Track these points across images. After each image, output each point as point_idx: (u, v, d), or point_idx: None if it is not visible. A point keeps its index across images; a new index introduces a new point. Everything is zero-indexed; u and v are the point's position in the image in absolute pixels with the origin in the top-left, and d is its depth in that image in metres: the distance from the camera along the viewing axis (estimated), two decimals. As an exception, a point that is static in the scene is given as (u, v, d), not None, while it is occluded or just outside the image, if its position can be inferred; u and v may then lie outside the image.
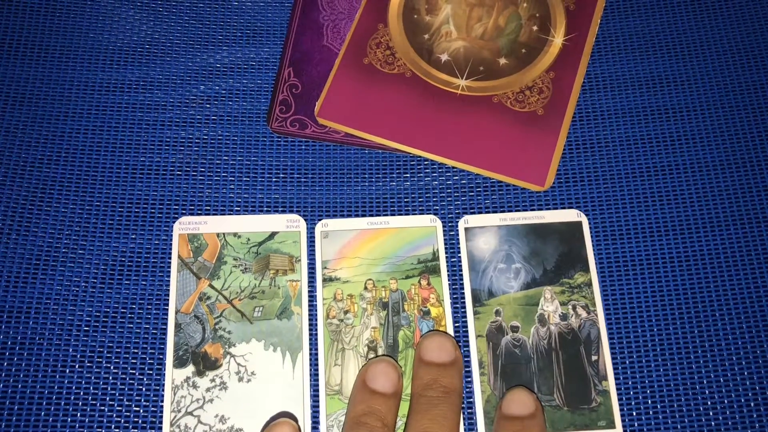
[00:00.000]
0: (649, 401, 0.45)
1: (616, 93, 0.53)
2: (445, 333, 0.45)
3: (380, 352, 0.46)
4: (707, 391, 0.45)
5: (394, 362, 0.43)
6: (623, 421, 0.44)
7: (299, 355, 0.46)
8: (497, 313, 0.47)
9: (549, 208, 0.50)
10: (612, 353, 0.46)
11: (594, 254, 0.48)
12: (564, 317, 0.46)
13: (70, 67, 0.53)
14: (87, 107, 0.52)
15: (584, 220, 0.49)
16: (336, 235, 0.49)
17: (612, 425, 0.44)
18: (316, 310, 0.47)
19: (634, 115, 0.52)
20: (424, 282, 0.48)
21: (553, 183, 0.50)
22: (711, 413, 0.45)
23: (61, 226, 0.48)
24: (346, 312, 0.47)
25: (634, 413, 0.45)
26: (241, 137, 0.52)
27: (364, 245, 0.49)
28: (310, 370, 0.46)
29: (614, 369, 0.45)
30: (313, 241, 0.49)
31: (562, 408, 0.44)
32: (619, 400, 0.45)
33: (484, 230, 0.49)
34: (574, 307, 0.47)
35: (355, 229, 0.49)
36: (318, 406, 0.45)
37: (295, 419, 0.44)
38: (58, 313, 0.46)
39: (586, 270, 0.48)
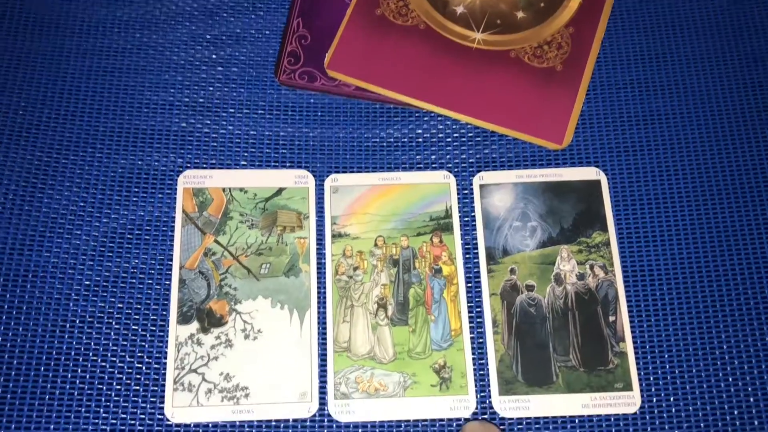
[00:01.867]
0: (667, 364, 0.45)
1: (638, 50, 0.52)
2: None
3: (390, 309, 0.46)
4: (727, 356, 0.45)
5: None
6: (640, 383, 0.44)
7: (307, 313, 0.46)
8: (512, 271, 0.46)
9: (567, 166, 0.49)
10: (630, 314, 0.46)
11: (613, 213, 0.48)
12: (581, 277, 0.46)
13: (70, 14, 0.52)
14: (90, 51, 0.51)
15: (603, 178, 0.49)
16: (346, 191, 0.48)
17: (629, 387, 0.44)
18: (324, 267, 0.47)
19: (655, 73, 0.51)
20: (436, 239, 0.47)
21: (572, 140, 0.50)
22: (731, 378, 0.44)
23: (62, 183, 0.48)
24: (355, 268, 0.47)
25: (652, 376, 0.44)
26: (248, 89, 0.51)
27: (374, 201, 0.48)
28: (318, 328, 0.45)
29: (632, 330, 0.45)
30: (322, 198, 0.48)
31: (578, 369, 0.44)
32: (637, 362, 0.45)
33: (500, 187, 0.49)
34: (591, 267, 0.46)
35: (365, 185, 0.49)
36: (325, 364, 0.45)
37: None
38: (59, 266, 0.46)
39: (605, 229, 0.47)
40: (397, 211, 0.48)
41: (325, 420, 0.44)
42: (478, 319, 0.46)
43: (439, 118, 0.51)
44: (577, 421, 0.44)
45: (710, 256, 0.47)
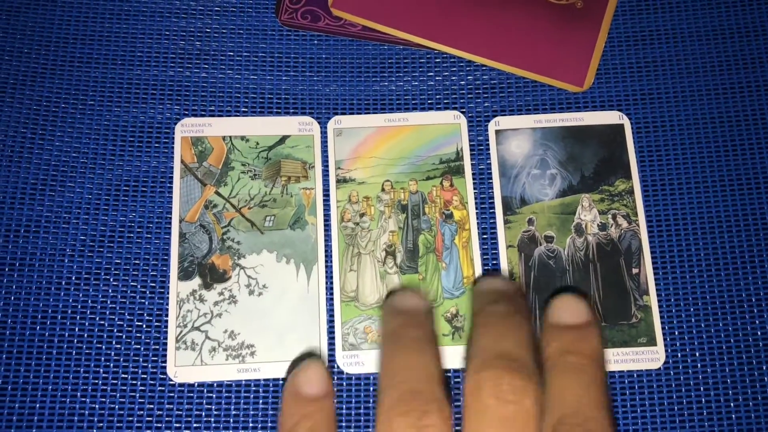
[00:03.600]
0: (693, 318, 0.44)
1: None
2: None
3: (399, 257, 0.45)
4: (756, 309, 0.44)
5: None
6: (665, 338, 0.44)
7: (314, 267, 0.45)
8: (530, 222, 0.46)
9: (588, 110, 0.48)
10: (654, 266, 0.45)
11: (637, 160, 0.47)
12: (603, 227, 0.45)
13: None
14: (77, -5, 0.50)
15: (627, 122, 0.47)
16: (350, 133, 0.48)
17: (653, 342, 0.43)
18: (330, 214, 0.46)
19: (682, 9, 0.50)
20: (446, 183, 0.47)
21: (594, 82, 0.48)
22: (759, 332, 0.44)
23: (53, 134, 0.47)
24: (362, 215, 0.46)
25: (677, 331, 0.44)
26: (247, 30, 0.50)
27: (381, 144, 0.47)
28: (326, 283, 0.45)
29: (656, 283, 0.45)
30: (327, 146, 0.48)
31: (600, 323, 0.44)
32: (661, 316, 0.44)
33: (517, 133, 0.48)
34: (614, 217, 0.46)
35: (371, 127, 0.48)
36: (333, 315, 0.44)
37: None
38: (52, 221, 0.45)
39: (628, 176, 0.46)
40: (404, 154, 0.47)
41: (335, 377, 0.43)
42: (494, 271, 0.45)
43: (452, 60, 0.49)
44: (598, 377, 0.43)
45: (739, 205, 0.46)
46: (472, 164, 0.47)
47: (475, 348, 0.37)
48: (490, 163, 0.47)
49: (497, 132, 0.48)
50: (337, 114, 0.48)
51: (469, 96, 0.48)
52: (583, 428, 0.34)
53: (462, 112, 0.48)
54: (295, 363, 0.43)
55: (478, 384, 0.34)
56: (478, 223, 0.46)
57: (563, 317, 0.38)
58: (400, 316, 0.38)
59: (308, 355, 0.44)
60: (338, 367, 0.44)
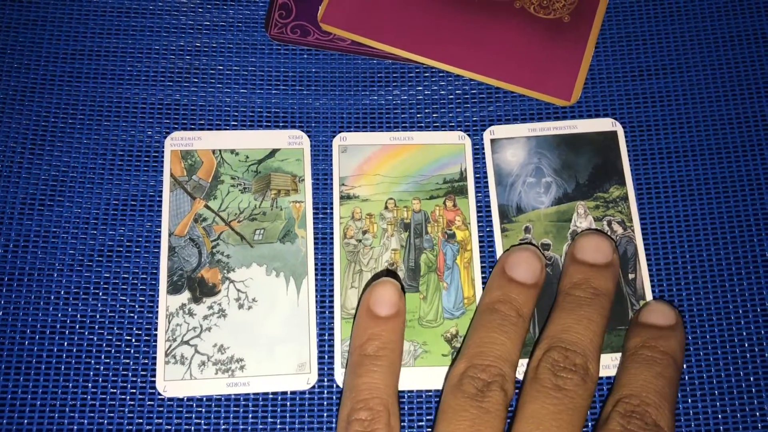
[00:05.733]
0: (689, 323, 0.46)
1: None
2: (603, 233, 0.45)
3: (401, 275, 0.47)
4: (751, 314, 0.46)
5: (537, 252, 0.44)
6: (663, 344, 0.45)
7: (304, 280, 0.47)
8: (527, 230, 0.47)
9: (582, 117, 0.50)
10: (650, 271, 0.46)
11: (630, 166, 0.49)
12: (598, 234, 0.47)
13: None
14: (68, 11, 0.52)
15: (620, 129, 0.49)
16: (355, 150, 0.49)
17: (651, 348, 0.45)
18: (320, 233, 0.48)
19: (667, 16, 0.52)
20: (449, 203, 0.48)
21: (587, 90, 0.50)
22: (755, 337, 0.45)
23: (43, 149, 0.49)
24: (364, 232, 0.48)
25: (676, 338, 0.45)
26: (237, 45, 0.52)
27: (385, 162, 0.49)
28: (316, 296, 0.46)
29: (652, 288, 0.46)
30: (318, 160, 0.49)
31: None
32: (659, 322, 0.45)
33: (512, 142, 0.49)
34: (609, 223, 0.47)
35: (376, 144, 0.50)
36: (328, 332, 0.45)
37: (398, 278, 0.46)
38: (41, 235, 0.47)
39: (622, 183, 0.48)
40: (409, 172, 0.49)
41: (325, 392, 0.45)
42: (490, 281, 0.47)
43: (441, 74, 0.51)
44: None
45: (734, 209, 0.48)
46: (465, 174, 0.49)
47: (547, 330, 0.41)
48: (485, 172, 0.49)
49: (492, 141, 0.49)
50: (325, 128, 0.50)
51: (458, 110, 0.50)
52: (641, 409, 0.38)
53: (451, 127, 0.50)
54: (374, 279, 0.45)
55: (540, 362, 0.39)
56: (477, 238, 0.47)
57: (651, 318, 0.41)
58: (504, 288, 0.42)
59: (385, 273, 0.46)
60: (338, 385, 0.45)
